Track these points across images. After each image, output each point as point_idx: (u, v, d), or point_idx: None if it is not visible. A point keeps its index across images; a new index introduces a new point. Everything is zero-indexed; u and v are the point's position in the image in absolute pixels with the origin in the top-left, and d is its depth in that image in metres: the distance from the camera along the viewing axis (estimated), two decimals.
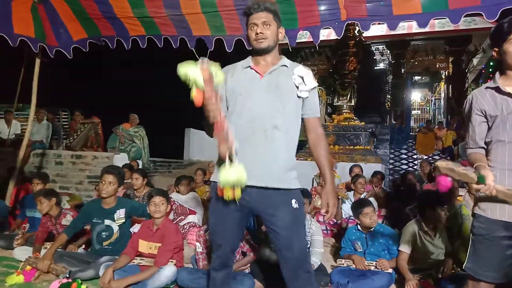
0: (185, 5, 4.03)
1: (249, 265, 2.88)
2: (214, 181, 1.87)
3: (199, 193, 4.87)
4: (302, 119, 1.91)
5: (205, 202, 4.58)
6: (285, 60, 1.90)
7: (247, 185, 1.72)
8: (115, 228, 3.12)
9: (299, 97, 1.83)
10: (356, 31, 8.97)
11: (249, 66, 1.87)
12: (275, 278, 2.66)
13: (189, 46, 4.25)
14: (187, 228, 3.90)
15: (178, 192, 4.47)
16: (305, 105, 1.87)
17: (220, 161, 1.70)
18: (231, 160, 1.60)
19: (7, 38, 4.04)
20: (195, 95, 1.53)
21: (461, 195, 3.90)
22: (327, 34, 11.34)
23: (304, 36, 9.07)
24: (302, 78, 1.81)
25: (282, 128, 1.78)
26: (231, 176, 1.58)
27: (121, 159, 6.18)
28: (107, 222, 3.11)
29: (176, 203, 4.19)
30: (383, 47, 13.79)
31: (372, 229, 3.02)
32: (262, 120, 1.77)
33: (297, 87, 1.81)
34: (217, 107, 1.59)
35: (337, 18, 3.76)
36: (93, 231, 3.15)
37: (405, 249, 2.85)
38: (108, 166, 3.34)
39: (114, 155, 6.17)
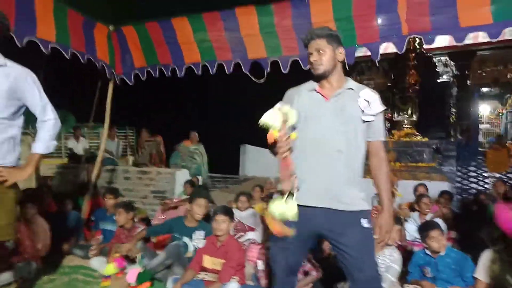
0: (244, 26, 4.19)
1: (311, 284, 2.84)
2: None
3: (257, 209, 4.91)
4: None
5: (263, 219, 4.61)
6: (350, 83, 1.90)
7: (312, 206, 1.74)
8: (191, 247, 3.28)
9: (364, 121, 1.82)
10: (416, 43, 8.65)
11: (314, 89, 1.90)
12: None
13: (243, 69, 4.38)
14: (247, 245, 3.95)
15: (237, 208, 4.56)
16: (369, 129, 1.86)
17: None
18: (289, 196, 1.67)
19: (93, 61, 4.51)
20: (270, 135, 1.65)
21: None
22: (385, 47, 10.99)
23: (360, 50, 8.90)
24: (368, 102, 1.80)
25: (345, 151, 1.79)
26: (282, 209, 1.64)
27: (182, 175, 6.45)
28: (185, 239, 3.29)
29: (236, 219, 4.27)
30: (446, 59, 13.06)
31: (442, 254, 2.83)
32: (327, 143, 1.80)
33: (362, 111, 1.81)
34: (287, 145, 1.65)
35: (397, 33, 3.66)
36: None
37: (483, 277, 2.63)
38: (197, 190, 3.55)
39: (176, 171, 6.46)
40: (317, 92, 1.89)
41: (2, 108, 2.10)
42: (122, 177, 6.75)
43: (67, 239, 4.10)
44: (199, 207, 3.32)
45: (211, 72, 4.54)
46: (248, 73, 4.36)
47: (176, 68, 4.73)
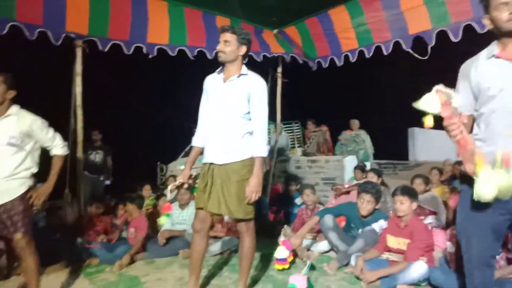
0: (405, 0, 4.00)
1: None
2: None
3: (438, 192, 4.59)
4: None
5: (445, 203, 4.29)
6: None
7: None
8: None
9: None
10: None
11: (494, 55, 1.64)
12: None
13: (404, 47, 4.17)
14: (430, 228, 3.75)
15: None
16: None
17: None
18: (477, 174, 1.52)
19: (268, 56, 5.07)
20: (427, 119, 1.56)
21: None
22: None
23: None
24: None
25: None
26: (487, 190, 1.49)
27: (350, 162, 6.55)
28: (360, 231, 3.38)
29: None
30: None
31: None
32: None
33: None
34: (458, 126, 1.52)
35: None
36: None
37: None
38: (362, 185, 3.54)
39: (344, 158, 6.60)
40: (498, 57, 1.62)
41: (245, 108, 2.38)
42: (294, 167, 7.32)
43: (258, 223, 4.74)
44: (362, 202, 3.32)
45: (366, 55, 4.57)
46: (410, 50, 4.15)
47: (335, 58, 4.93)
